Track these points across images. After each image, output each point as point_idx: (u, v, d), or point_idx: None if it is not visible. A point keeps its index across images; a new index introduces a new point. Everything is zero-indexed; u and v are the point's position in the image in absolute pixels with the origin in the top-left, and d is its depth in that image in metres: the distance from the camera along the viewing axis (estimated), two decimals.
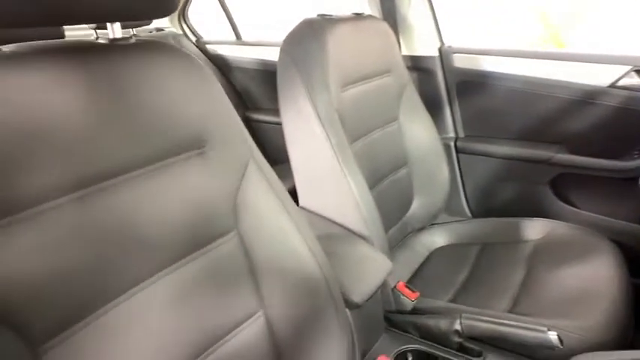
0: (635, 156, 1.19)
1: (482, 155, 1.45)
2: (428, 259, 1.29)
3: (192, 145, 0.62)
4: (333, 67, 1.03)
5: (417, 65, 1.46)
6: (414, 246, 1.32)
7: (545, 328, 0.78)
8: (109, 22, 0.59)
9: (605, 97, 1.22)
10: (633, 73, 1.19)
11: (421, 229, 1.38)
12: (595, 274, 1.02)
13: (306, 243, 0.73)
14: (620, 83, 1.20)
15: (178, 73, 0.63)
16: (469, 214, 1.53)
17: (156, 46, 0.63)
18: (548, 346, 0.77)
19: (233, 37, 2.08)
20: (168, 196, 0.59)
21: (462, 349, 0.88)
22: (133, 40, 0.61)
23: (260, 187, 0.71)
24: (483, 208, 1.50)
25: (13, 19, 0.47)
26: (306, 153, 1.03)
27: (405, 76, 1.30)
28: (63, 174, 0.49)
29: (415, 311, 0.97)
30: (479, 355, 0.86)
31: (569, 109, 1.28)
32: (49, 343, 0.47)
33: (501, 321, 0.84)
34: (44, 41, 0.55)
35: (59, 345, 0.48)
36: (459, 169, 1.50)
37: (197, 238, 0.62)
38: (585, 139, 1.27)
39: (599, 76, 1.22)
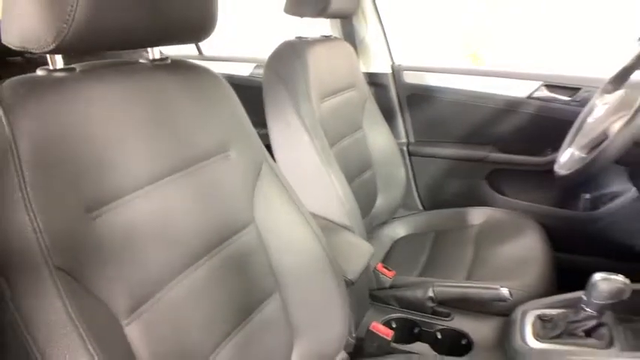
0: (549, 152, 1.48)
1: (431, 157, 1.70)
2: (393, 247, 1.49)
3: (220, 150, 0.74)
4: (313, 82, 1.20)
5: (373, 81, 1.68)
6: (379, 237, 1.51)
7: (498, 286, 1.00)
8: (157, 45, 0.69)
9: (525, 106, 1.52)
10: (543, 87, 1.50)
11: (383, 223, 1.58)
12: (527, 248, 1.27)
13: (313, 231, 0.87)
14: (535, 95, 1.50)
15: (208, 89, 0.76)
16: (421, 208, 1.76)
17: (187, 66, 0.75)
18: (502, 299, 0.99)
19: (195, 52, 2.18)
20: (205, 192, 0.71)
21: (434, 313, 1.08)
22: (169, 61, 0.73)
23: (273, 185, 0.85)
24: (433, 202, 1.74)
25: (94, 45, 0.57)
26: (293, 157, 1.19)
27: (366, 90, 1.51)
28: (131, 173, 0.58)
29: (393, 287, 1.16)
30: (447, 315, 1.07)
31: (498, 116, 1.56)
32: (131, 317, 0.56)
33: (465, 284, 1.05)
34: (103, 61, 0.65)
35: (138, 319, 0.57)
36: (412, 169, 1.74)
37: (224, 231, 0.73)
38: (511, 140, 1.56)
39: (519, 89, 1.52)
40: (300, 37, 1.28)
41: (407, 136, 1.74)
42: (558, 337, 0.87)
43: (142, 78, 0.65)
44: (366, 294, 1.16)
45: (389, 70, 1.67)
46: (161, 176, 0.63)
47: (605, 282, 0.81)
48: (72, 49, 0.51)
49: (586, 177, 1.02)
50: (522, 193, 1.59)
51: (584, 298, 0.85)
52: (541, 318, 0.92)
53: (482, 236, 1.40)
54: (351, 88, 1.43)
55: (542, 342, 0.87)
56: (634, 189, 1.37)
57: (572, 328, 0.86)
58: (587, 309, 0.84)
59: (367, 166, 1.48)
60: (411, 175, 1.74)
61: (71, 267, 0.49)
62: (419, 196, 1.76)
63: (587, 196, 1.50)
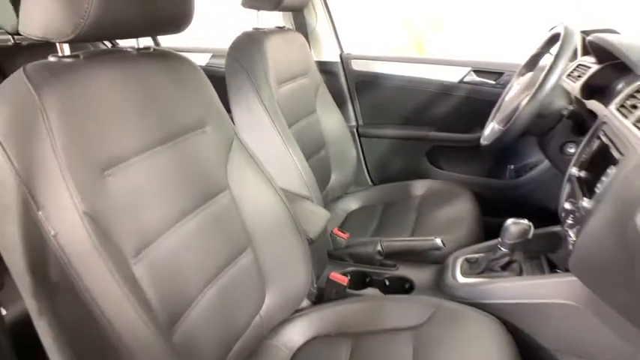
0: (479, 129, 1.71)
1: (378, 137, 1.89)
2: (347, 218, 1.66)
3: (198, 126, 0.87)
4: (271, 69, 1.34)
5: (324, 69, 1.83)
6: (335, 210, 1.68)
7: (433, 237, 1.20)
8: (148, 36, 0.80)
9: (457, 90, 1.73)
10: (472, 72, 1.72)
11: (338, 198, 1.75)
12: (460, 212, 1.48)
13: (279, 196, 1.02)
14: (465, 79, 1.72)
15: (187, 75, 0.88)
16: (371, 184, 1.95)
17: (167, 55, 0.87)
18: (437, 248, 1.19)
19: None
20: (187, 161, 0.83)
21: (382, 264, 1.26)
22: (151, 50, 0.85)
23: (243, 157, 0.98)
24: (381, 178, 1.93)
25: (101, 36, 0.68)
26: (256, 137, 1.31)
27: (318, 77, 1.66)
28: (129, 143, 0.70)
29: (348, 246, 1.33)
30: (394, 266, 1.25)
31: (435, 99, 1.77)
32: (136, 258, 0.68)
33: (407, 239, 1.24)
34: (99, 49, 0.76)
35: (141, 260, 0.69)
36: (362, 149, 1.92)
37: (204, 193, 0.86)
38: (447, 120, 1.78)
39: (452, 74, 1.73)
40: (257, 29, 1.41)
41: (356, 119, 1.92)
42: (481, 272, 1.07)
43: (132, 64, 0.77)
44: (325, 254, 1.32)
45: (338, 59, 1.83)
46: (152, 146, 0.75)
47: (514, 225, 1.02)
48: (84, 39, 0.62)
49: (502, 146, 1.24)
50: (457, 166, 1.82)
51: (500, 240, 1.05)
52: (468, 260, 1.13)
53: (424, 204, 1.60)
54: (305, 76, 1.58)
55: (468, 277, 1.07)
56: None
57: (491, 265, 1.07)
58: (502, 248, 1.05)
59: (321, 146, 1.64)
60: (360, 154, 1.92)
61: (94, 213, 0.60)
62: (368, 172, 1.95)
63: (512, 166, 1.75)
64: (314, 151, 1.59)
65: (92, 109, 0.65)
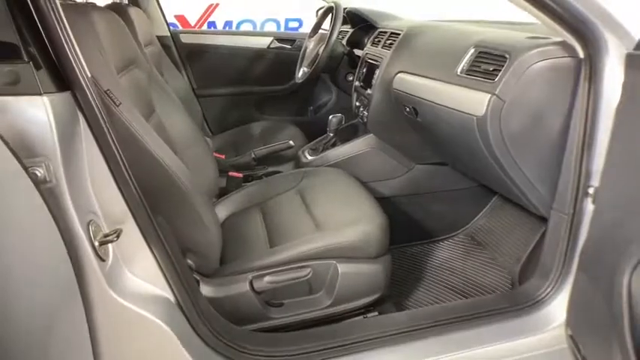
0: (286, 82, 2.36)
1: (214, 96, 2.34)
2: None
3: (132, 62, 1.20)
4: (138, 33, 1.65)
5: (162, 42, 2.15)
6: None
7: (286, 140, 1.78)
8: None
9: (267, 54, 2.34)
10: (275, 40, 2.36)
11: None
12: (294, 134, 2.09)
13: (188, 120, 1.42)
14: (272, 46, 2.35)
15: (120, 22, 1.20)
16: (211, 134, 2.39)
17: (103, 9, 1.17)
18: (290, 147, 1.77)
19: None
20: (135, 85, 1.17)
21: (256, 168, 1.78)
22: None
23: (157, 91, 1.35)
24: (222, 127, 2.39)
25: None
26: None
27: (159, 48, 2.00)
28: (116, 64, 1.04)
29: (228, 163, 1.79)
30: (265, 167, 1.78)
31: (253, 62, 2.34)
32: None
33: (269, 146, 1.79)
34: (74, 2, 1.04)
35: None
36: (201, 107, 2.33)
37: (147, 109, 1.21)
38: (263, 76, 2.37)
39: (262, 43, 2.33)
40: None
41: (191, 83, 2.32)
42: (321, 151, 1.72)
43: (92, 12, 1.07)
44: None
45: (169, 34, 2.19)
46: (119, 71, 1.09)
47: (334, 117, 1.69)
48: None
49: (310, 80, 1.91)
50: (277, 111, 2.44)
51: (327, 129, 1.72)
52: (311, 148, 1.76)
53: (265, 136, 2.15)
54: (151, 45, 1.90)
55: (312, 155, 1.70)
56: (334, 93, 2.42)
57: (325, 146, 1.73)
58: (330, 134, 1.72)
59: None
60: (201, 111, 2.33)
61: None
62: (208, 126, 2.38)
63: (311, 107, 2.48)
64: None
65: (94, 37, 0.97)
